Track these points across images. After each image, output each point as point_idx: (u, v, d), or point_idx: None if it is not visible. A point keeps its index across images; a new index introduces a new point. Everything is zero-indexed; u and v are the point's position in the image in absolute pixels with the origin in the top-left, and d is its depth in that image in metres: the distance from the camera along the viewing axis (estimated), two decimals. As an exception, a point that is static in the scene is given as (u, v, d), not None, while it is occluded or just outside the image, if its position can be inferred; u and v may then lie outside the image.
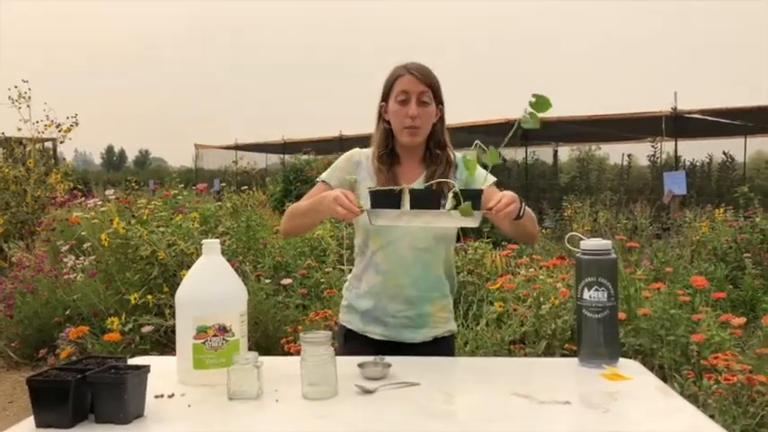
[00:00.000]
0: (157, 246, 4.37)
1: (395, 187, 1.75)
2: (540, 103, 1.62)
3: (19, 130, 8.92)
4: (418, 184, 2.02)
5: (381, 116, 2.12)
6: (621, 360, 1.66)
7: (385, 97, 2.09)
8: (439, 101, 2.08)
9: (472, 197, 1.65)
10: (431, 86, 2.04)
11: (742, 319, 3.15)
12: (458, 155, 2.13)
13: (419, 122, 2.01)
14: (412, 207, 1.70)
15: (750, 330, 3.59)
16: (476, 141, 1.79)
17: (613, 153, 16.42)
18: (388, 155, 2.08)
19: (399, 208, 1.71)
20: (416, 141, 2.05)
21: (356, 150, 2.16)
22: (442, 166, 2.07)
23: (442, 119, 2.12)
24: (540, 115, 1.66)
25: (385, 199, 1.72)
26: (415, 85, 2.02)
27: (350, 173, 2.08)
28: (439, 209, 1.71)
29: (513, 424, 1.26)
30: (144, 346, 3.86)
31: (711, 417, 1.41)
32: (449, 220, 1.71)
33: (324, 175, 2.11)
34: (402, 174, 2.07)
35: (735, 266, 5.73)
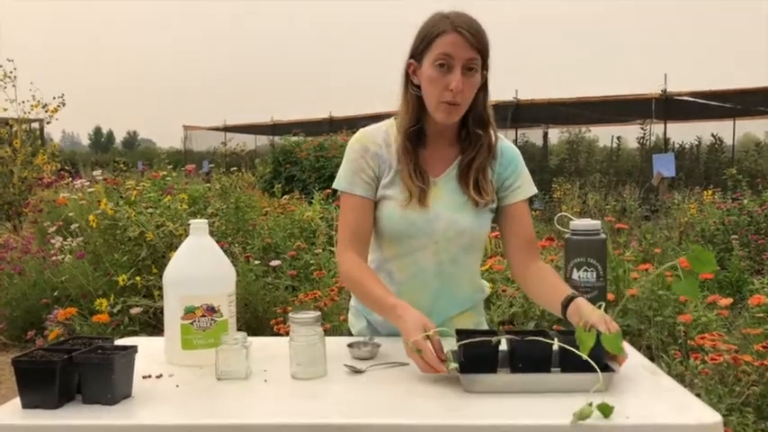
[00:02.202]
0: (146, 227, 4.34)
1: (489, 338, 1.35)
2: (702, 262, 1.24)
3: (5, 110, 8.82)
4: (449, 174, 1.70)
5: (409, 79, 1.69)
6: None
7: (418, 55, 1.65)
8: (485, 66, 1.65)
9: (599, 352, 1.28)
10: (482, 51, 1.60)
11: (728, 300, 3.18)
12: (503, 140, 1.77)
13: (461, 98, 1.60)
14: (514, 361, 1.36)
15: (736, 311, 3.63)
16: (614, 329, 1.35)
17: (603, 135, 16.48)
18: (417, 132, 1.69)
19: (497, 360, 1.37)
20: (451, 121, 1.65)
21: (367, 138, 1.73)
22: (483, 152, 1.68)
23: (485, 87, 1.68)
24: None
25: (478, 354, 1.35)
26: (464, 49, 1.57)
27: (372, 170, 1.70)
28: (549, 361, 1.36)
29: (502, 403, 1.27)
30: (133, 328, 3.85)
31: (697, 396, 1.42)
32: (579, 383, 1.29)
33: (343, 185, 1.71)
34: (428, 159, 1.70)
35: (722, 248, 5.78)
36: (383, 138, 1.73)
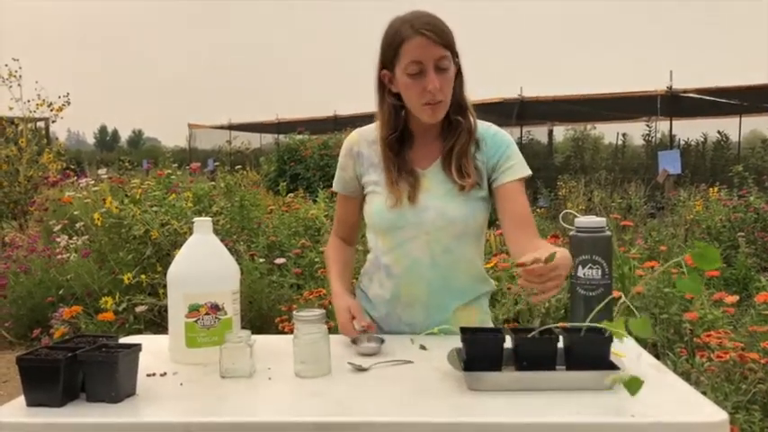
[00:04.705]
0: (150, 225, 4.35)
1: (493, 336, 1.36)
2: (707, 258, 1.23)
3: (10, 109, 8.84)
4: (435, 167, 1.72)
5: (385, 88, 1.71)
6: (614, 338, 1.65)
7: (388, 64, 1.67)
8: (455, 55, 1.65)
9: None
10: (448, 46, 1.61)
11: (735, 298, 3.17)
12: (486, 126, 1.78)
13: (442, 95, 1.62)
14: (519, 359, 1.35)
15: (743, 308, 3.62)
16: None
17: (608, 132, 16.44)
18: (399, 137, 1.72)
19: (501, 358, 1.35)
20: (438, 119, 1.68)
21: (354, 137, 1.81)
22: (463, 136, 1.70)
23: (460, 74, 1.68)
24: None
25: (482, 350, 1.35)
26: (431, 50, 1.58)
27: (353, 169, 1.78)
28: (554, 359, 1.34)
29: (507, 400, 1.26)
30: (138, 326, 3.86)
31: (703, 393, 1.41)
32: (584, 381, 1.30)
33: (333, 182, 1.85)
34: (414, 157, 1.73)
35: (728, 245, 5.76)
36: (373, 136, 1.77)
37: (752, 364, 2.50)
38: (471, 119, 1.73)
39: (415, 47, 1.59)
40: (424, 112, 1.65)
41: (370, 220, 1.76)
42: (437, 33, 1.59)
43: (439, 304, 1.72)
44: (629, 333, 1.26)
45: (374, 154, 1.76)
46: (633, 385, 1.15)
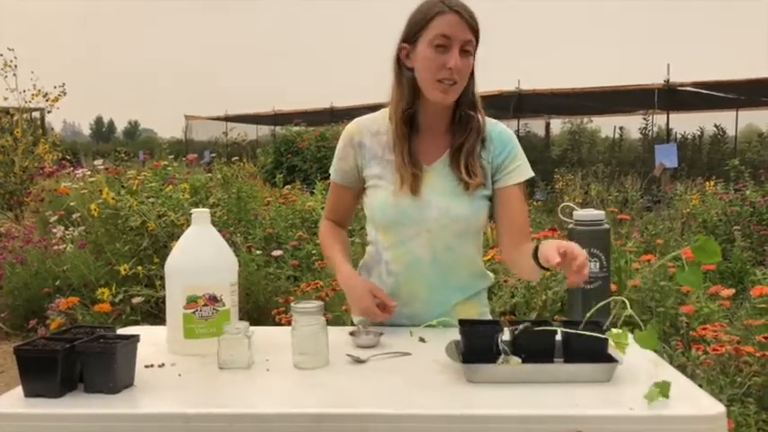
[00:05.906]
0: (147, 216, 4.34)
1: (491, 328, 1.37)
2: (707, 252, 1.26)
3: (5, 99, 8.80)
4: (441, 163, 1.70)
5: (402, 63, 1.68)
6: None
7: (411, 38, 1.65)
8: (475, 51, 1.65)
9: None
10: (476, 34, 1.62)
11: (730, 291, 3.17)
12: (492, 123, 1.76)
13: (459, 76, 1.61)
14: (518, 351, 1.34)
15: (738, 302, 3.62)
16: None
17: (605, 126, 16.46)
18: (410, 117, 1.69)
19: (499, 351, 1.34)
20: (449, 101, 1.65)
21: (354, 127, 1.77)
22: (473, 135, 1.69)
23: (472, 73, 1.69)
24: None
25: (480, 342, 1.35)
26: (462, 30, 1.59)
27: (353, 159, 1.75)
28: (552, 352, 1.36)
29: (504, 393, 1.26)
30: (135, 317, 3.85)
31: (699, 386, 1.42)
32: (582, 374, 1.31)
33: (331, 169, 1.83)
34: (421, 147, 1.70)
35: (724, 239, 5.76)
36: (376, 127, 1.75)
37: (747, 358, 2.51)
38: (480, 117, 1.72)
39: (448, 22, 1.58)
40: (437, 90, 1.62)
41: (372, 215, 1.74)
42: (470, 16, 1.60)
43: (439, 300, 1.71)
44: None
45: (377, 145, 1.73)
46: (663, 389, 1.18)
